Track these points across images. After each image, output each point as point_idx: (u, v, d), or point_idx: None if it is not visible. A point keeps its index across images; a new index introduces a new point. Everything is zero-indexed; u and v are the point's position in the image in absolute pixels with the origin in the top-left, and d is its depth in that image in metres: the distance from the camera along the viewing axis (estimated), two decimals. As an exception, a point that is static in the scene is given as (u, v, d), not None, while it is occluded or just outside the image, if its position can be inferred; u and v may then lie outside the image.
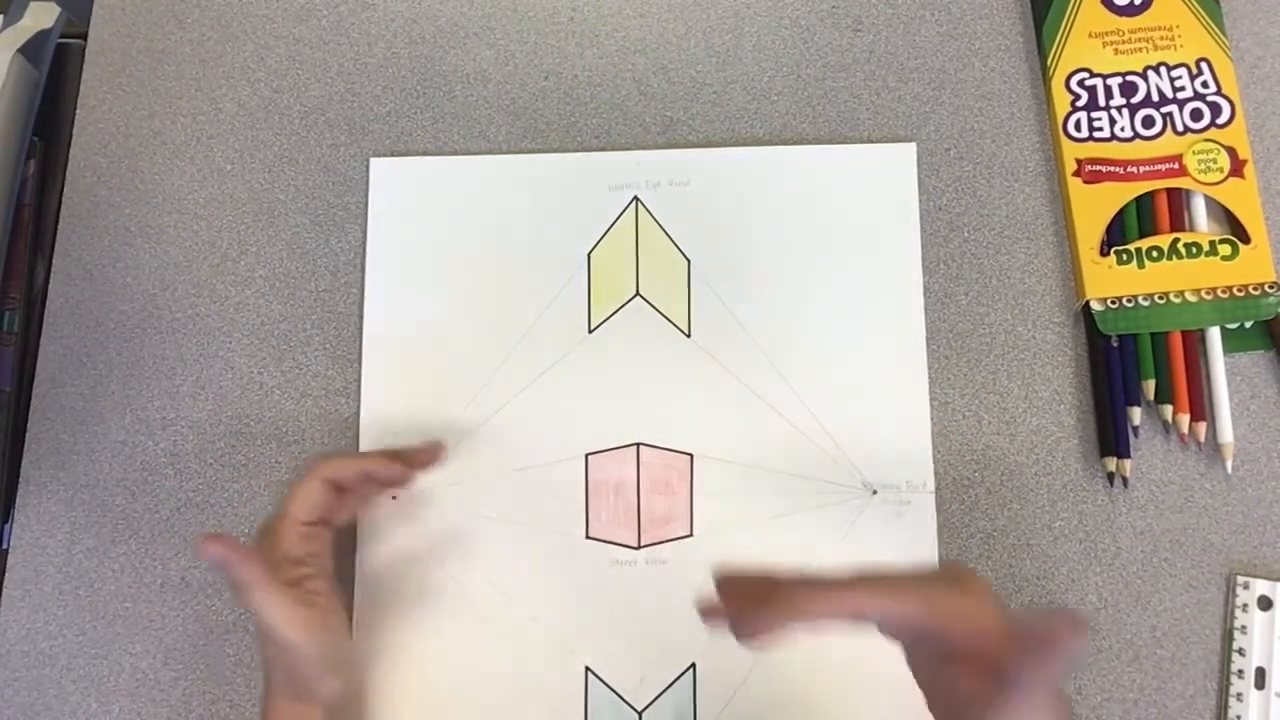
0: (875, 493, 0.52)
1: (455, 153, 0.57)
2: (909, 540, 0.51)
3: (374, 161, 0.57)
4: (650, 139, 0.57)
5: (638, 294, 0.55)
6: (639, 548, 0.52)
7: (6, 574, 0.53)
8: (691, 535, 0.52)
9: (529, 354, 0.54)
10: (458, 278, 0.55)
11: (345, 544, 0.52)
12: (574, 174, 0.56)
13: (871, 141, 0.56)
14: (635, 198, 0.56)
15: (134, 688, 0.51)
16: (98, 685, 0.52)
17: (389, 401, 0.54)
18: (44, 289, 0.57)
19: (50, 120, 0.60)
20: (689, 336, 0.54)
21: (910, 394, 0.53)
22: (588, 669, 0.50)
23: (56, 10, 0.61)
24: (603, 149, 0.57)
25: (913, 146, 0.56)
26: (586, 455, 0.53)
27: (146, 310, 0.56)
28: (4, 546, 0.54)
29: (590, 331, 0.54)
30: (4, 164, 0.57)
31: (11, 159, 0.57)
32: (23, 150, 0.58)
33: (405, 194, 0.56)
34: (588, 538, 0.52)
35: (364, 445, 0.53)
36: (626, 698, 0.50)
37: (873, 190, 0.55)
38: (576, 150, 0.57)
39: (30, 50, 0.59)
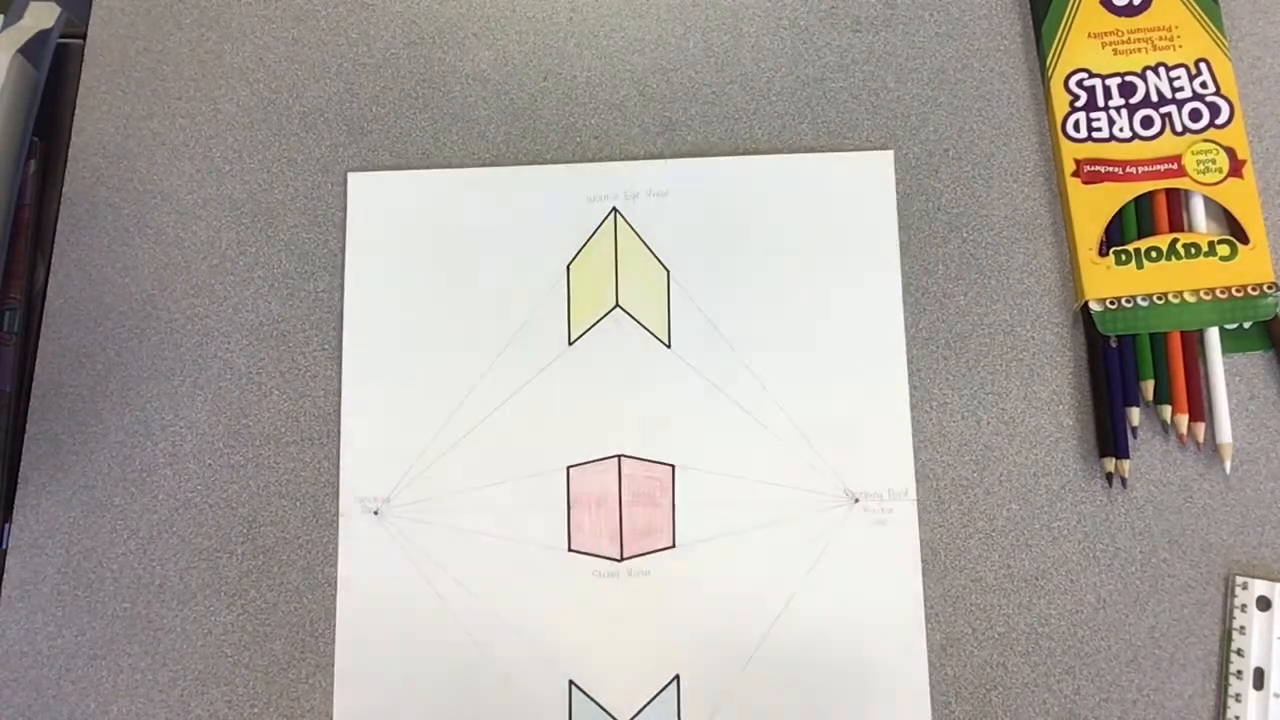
0: (857, 501, 0.52)
1: (453, 154, 0.57)
2: (892, 548, 0.51)
3: (351, 177, 0.57)
4: (649, 139, 0.57)
5: (617, 305, 0.55)
6: (622, 560, 0.52)
7: (6, 574, 0.53)
8: (674, 546, 0.52)
9: (509, 367, 0.54)
10: (437, 291, 0.55)
11: (326, 554, 0.52)
12: (552, 186, 0.56)
13: (870, 140, 0.56)
14: (614, 209, 0.56)
15: (132, 689, 0.52)
16: (96, 686, 0.52)
17: (369, 417, 0.54)
18: (44, 289, 0.57)
19: (50, 120, 0.60)
20: (669, 347, 0.54)
21: (891, 402, 0.53)
22: (571, 682, 0.50)
23: (56, 10, 0.61)
24: (601, 150, 0.57)
25: (890, 154, 0.56)
26: (568, 468, 0.53)
27: (145, 310, 0.56)
28: (3, 547, 0.54)
29: (570, 343, 0.54)
30: (4, 164, 0.57)
31: (11, 159, 0.57)
32: (23, 150, 0.58)
33: (383, 209, 0.56)
34: (570, 550, 0.52)
35: (345, 462, 0.53)
36: (610, 710, 0.50)
37: (850, 199, 0.55)
38: (574, 153, 0.57)
39: (30, 50, 0.59)
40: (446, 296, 0.55)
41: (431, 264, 0.56)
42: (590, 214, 0.56)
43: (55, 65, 0.61)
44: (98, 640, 0.52)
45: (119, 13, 0.61)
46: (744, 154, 0.57)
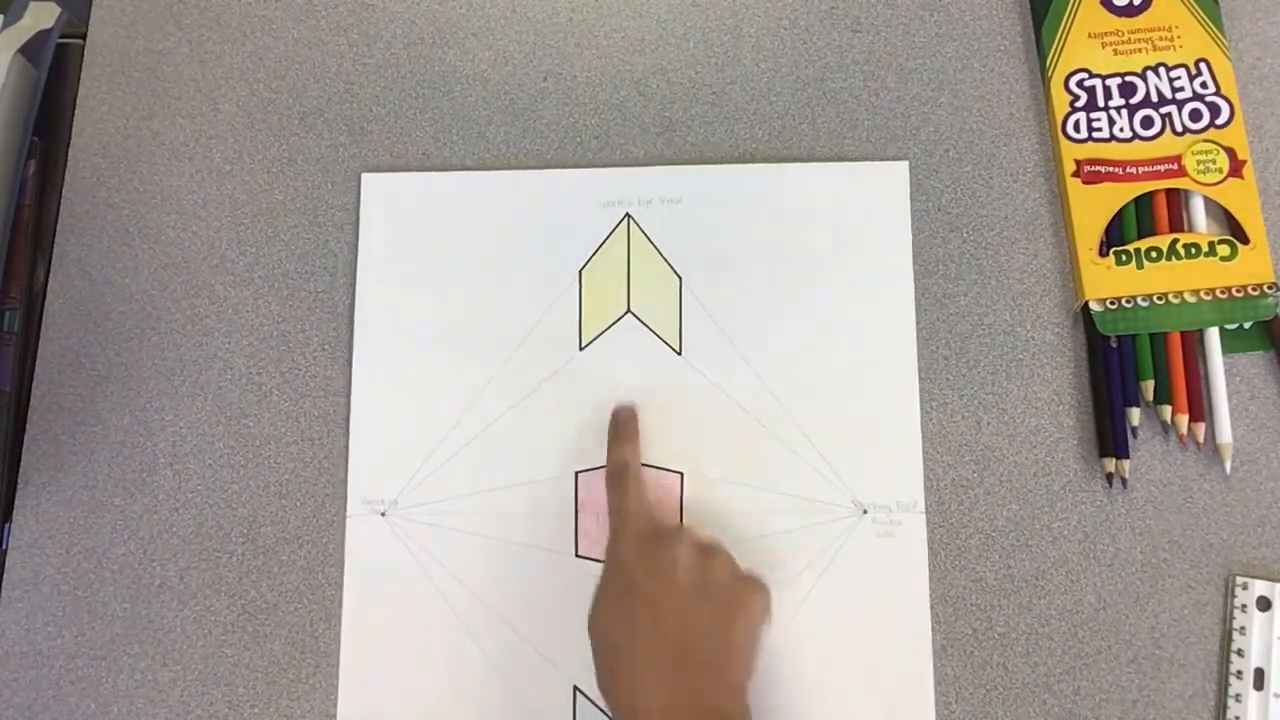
0: (866, 512, 0.51)
1: (453, 154, 0.57)
2: (900, 561, 0.51)
3: (365, 177, 0.57)
4: (649, 140, 0.57)
5: (629, 311, 0.54)
6: None
7: (6, 574, 0.53)
8: None
9: (519, 370, 0.54)
10: (449, 294, 0.55)
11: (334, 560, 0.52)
12: (566, 191, 0.56)
13: (870, 140, 0.56)
14: (627, 214, 0.56)
15: (132, 689, 0.52)
16: (96, 686, 0.52)
17: (378, 419, 0.54)
18: (44, 289, 0.57)
19: (50, 120, 0.60)
20: (680, 354, 0.54)
21: (901, 414, 0.53)
22: (576, 688, 0.50)
23: (56, 10, 0.61)
24: (602, 151, 0.57)
25: (905, 165, 0.56)
26: (576, 473, 0.53)
27: (146, 310, 0.56)
28: (3, 547, 0.54)
29: (581, 348, 0.54)
30: (4, 164, 0.57)
31: (11, 159, 0.57)
32: (23, 150, 0.58)
33: (397, 210, 0.56)
34: (577, 556, 0.52)
35: (353, 463, 0.53)
36: (614, 717, 0.50)
37: (864, 209, 0.55)
38: (575, 154, 0.57)
39: (30, 50, 0.59)
40: (459, 299, 0.55)
41: (444, 266, 0.55)
42: (603, 219, 0.56)
43: (55, 65, 0.60)
44: (98, 640, 0.52)
45: (119, 13, 0.61)
46: (744, 155, 0.57)
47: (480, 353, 0.54)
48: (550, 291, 0.55)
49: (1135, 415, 0.51)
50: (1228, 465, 0.51)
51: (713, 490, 0.52)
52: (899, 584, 0.51)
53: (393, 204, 0.56)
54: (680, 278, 0.55)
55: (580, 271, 0.55)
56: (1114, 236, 0.54)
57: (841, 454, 0.52)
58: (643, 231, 0.55)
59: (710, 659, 0.43)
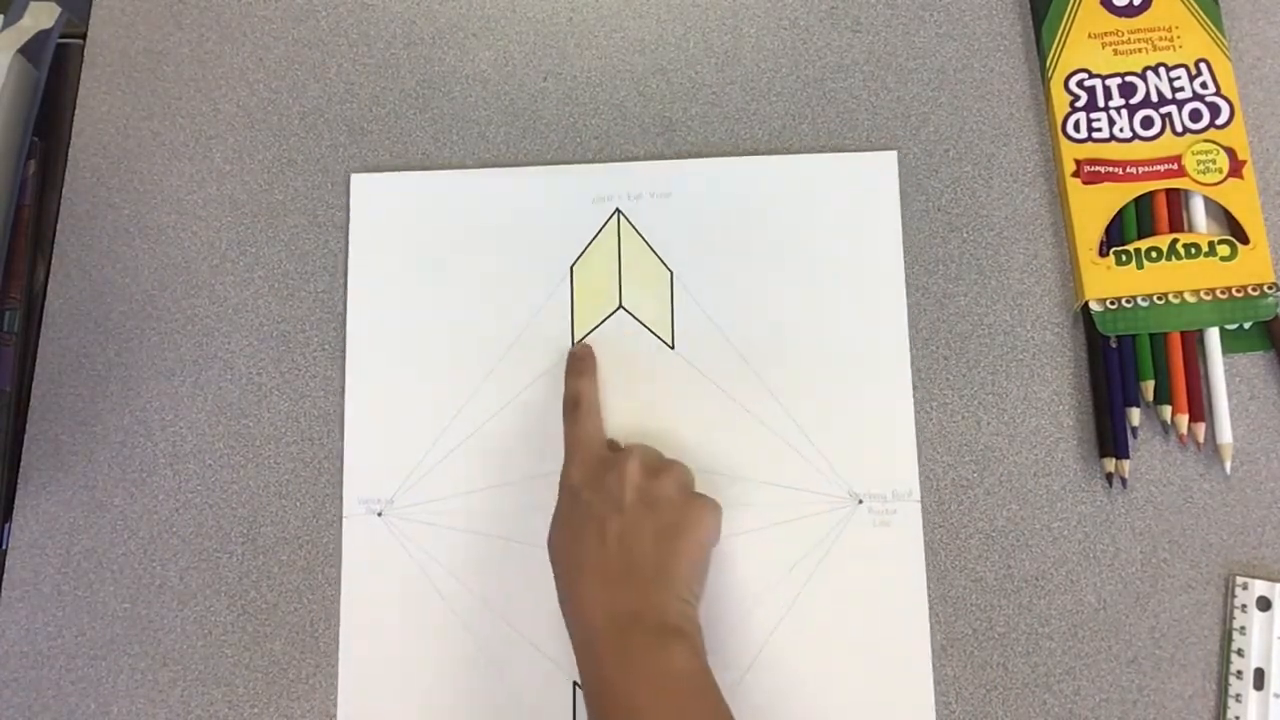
0: (861, 502, 0.52)
1: (453, 154, 0.57)
2: (896, 550, 0.51)
3: (354, 177, 0.57)
4: (649, 139, 0.57)
5: (621, 306, 0.54)
6: None
7: (6, 574, 0.53)
8: None
9: (513, 368, 0.54)
10: (440, 293, 0.55)
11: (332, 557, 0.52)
12: (555, 188, 0.56)
13: (870, 141, 0.56)
14: (617, 210, 0.56)
15: (132, 689, 0.52)
16: (96, 686, 0.52)
17: (372, 418, 0.54)
18: (44, 289, 0.57)
19: (50, 120, 0.60)
20: (673, 348, 0.54)
21: (894, 403, 0.53)
22: (576, 685, 0.50)
23: (56, 10, 0.61)
24: (602, 151, 0.57)
25: (894, 154, 0.56)
26: None
27: (146, 310, 0.56)
28: (3, 547, 0.54)
29: (574, 344, 0.54)
30: (4, 164, 0.57)
31: (11, 159, 0.57)
32: (23, 150, 0.58)
33: (386, 210, 0.56)
34: None
35: (348, 463, 0.53)
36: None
37: (854, 199, 0.55)
38: (575, 154, 0.57)
39: (30, 50, 0.59)
40: (450, 297, 0.55)
41: (435, 265, 0.55)
42: (594, 215, 0.56)
43: (55, 65, 0.60)
44: (98, 640, 0.52)
45: (119, 13, 0.61)
46: (745, 154, 0.57)
47: (473, 351, 0.54)
48: (542, 288, 0.55)
49: (1135, 415, 0.51)
50: (1228, 465, 0.51)
51: (707, 483, 0.52)
52: (896, 573, 0.51)
53: (381, 204, 0.56)
54: (671, 272, 0.55)
55: (571, 268, 0.55)
56: (1114, 236, 0.54)
57: (836, 445, 0.52)
58: (633, 226, 0.55)
59: (655, 575, 0.45)
